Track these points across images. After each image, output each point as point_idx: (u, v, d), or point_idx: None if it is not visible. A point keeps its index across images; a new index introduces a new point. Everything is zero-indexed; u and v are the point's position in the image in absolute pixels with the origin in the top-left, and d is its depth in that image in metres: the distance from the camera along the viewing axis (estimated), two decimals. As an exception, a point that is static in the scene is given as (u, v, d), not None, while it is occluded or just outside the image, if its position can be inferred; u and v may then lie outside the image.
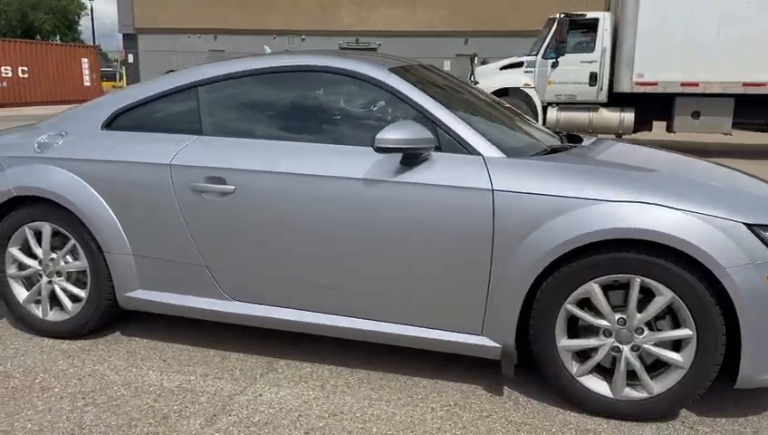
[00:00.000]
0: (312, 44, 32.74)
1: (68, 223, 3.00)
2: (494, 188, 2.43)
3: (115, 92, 3.14)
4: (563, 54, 11.45)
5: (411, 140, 2.44)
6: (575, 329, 2.51)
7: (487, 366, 2.90)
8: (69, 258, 3.08)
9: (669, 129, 11.68)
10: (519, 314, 2.47)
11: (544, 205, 2.38)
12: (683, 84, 10.98)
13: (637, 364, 2.40)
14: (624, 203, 2.31)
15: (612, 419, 2.46)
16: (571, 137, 3.33)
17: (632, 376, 2.45)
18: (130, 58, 36.85)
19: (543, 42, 11.74)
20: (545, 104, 11.77)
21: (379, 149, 2.46)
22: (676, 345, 2.40)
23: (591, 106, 11.62)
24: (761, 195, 2.45)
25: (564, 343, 2.46)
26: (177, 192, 2.81)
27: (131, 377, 2.77)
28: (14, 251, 3.13)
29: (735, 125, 11.15)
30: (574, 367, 2.48)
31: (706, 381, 2.35)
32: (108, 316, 3.11)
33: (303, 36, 33.18)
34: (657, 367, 2.45)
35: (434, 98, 2.69)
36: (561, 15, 11.39)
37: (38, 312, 3.16)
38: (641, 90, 11.18)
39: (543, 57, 11.64)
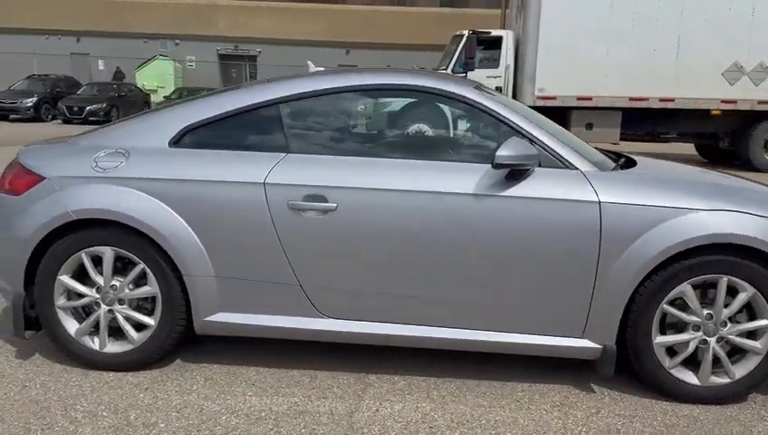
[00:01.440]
0: (187, 50, 31.54)
1: (136, 247, 2.80)
2: (601, 200, 2.65)
3: (177, 108, 2.98)
4: (472, 70, 12.09)
5: (524, 156, 2.60)
6: (663, 326, 2.78)
7: (569, 366, 3.10)
8: (132, 284, 2.88)
9: (565, 139, 12.70)
10: (621, 316, 2.70)
11: (647, 215, 2.63)
12: (578, 98, 12.04)
13: (722, 354, 2.72)
14: (716, 212, 2.62)
15: (699, 404, 2.77)
16: (614, 153, 3.63)
17: (713, 364, 2.77)
18: (-25, 60, 33.29)
19: (452, 57, 12.31)
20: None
21: (498, 166, 2.59)
22: (749, 334, 2.75)
23: (497, 118, 12.34)
24: None
25: (659, 339, 2.73)
26: (272, 211, 2.74)
27: (232, 404, 2.65)
28: (66, 279, 2.86)
29: (623, 136, 12.42)
30: (666, 361, 2.75)
31: (780, 365, 2.72)
32: (175, 344, 2.94)
33: (178, 41, 31.85)
34: (733, 355, 2.79)
35: (523, 116, 2.86)
36: (470, 32, 12.03)
37: (94, 344, 2.91)
38: (542, 103, 12.08)
39: (453, 71, 12.19)
